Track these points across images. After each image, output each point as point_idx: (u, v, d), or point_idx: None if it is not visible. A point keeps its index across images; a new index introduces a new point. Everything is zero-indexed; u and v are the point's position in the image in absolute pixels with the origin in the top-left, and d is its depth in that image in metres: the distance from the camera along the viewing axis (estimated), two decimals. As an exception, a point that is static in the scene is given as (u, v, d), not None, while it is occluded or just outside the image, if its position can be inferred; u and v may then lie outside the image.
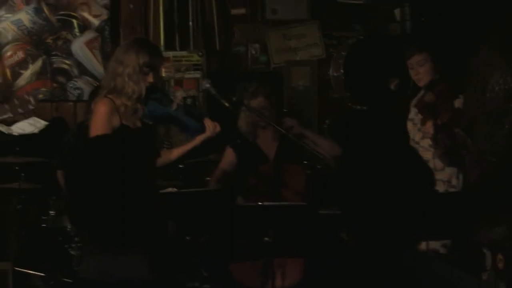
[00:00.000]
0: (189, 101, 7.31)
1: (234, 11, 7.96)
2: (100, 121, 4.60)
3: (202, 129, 4.82)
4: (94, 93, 5.89)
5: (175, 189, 5.15)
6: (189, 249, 5.92)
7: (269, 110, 5.64)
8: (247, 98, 5.72)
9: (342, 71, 7.66)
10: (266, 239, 4.83)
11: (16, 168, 6.18)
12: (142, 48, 4.65)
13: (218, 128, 4.84)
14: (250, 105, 5.63)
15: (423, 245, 5.06)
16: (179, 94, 4.96)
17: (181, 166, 6.16)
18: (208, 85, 5.15)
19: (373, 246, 2.76)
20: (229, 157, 5.70)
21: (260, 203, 4.93)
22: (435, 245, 5.25)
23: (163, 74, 7.31)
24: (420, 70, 5.56)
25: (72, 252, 5.83)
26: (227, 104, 5.17)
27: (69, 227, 5.86)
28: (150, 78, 4.62)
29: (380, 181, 2.74)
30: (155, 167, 4.76)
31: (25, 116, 6.87)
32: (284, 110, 6.05)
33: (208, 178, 6.19)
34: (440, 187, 5.32)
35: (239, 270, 5.33)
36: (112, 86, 4.62)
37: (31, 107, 4.15)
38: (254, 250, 5.04)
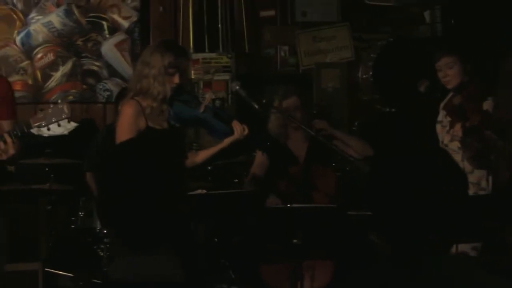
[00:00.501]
0: (218, 103, 7.32)
1: (263, 13, 7.96)
2: (126, 123, 4.61)
3: (230, 132, 4.81)
4: (121, 95, 5.91)
5: (204, 191, 5.14)
6: (218, 251, 5.94)
7: (300, 111, 5.63)
8: (278, 99, 5.72)
9: (371, 73, 7.65)
10: (296, 241, 4.81)
11: (46, 169, 6.22)
12: (167, 50, 4.65)
13: (246, 131, 4.82)
14: (281, 106, 5.63)
15: (453, 248, 5.03)
16: (208, 96, 4.93)
17: (209, 167, 6.18)
18: (237, 87, 5.14)
19: (404, 249, 2.75)
20: (260, 160, 5.70)
21: (289, 205, 4.92)
22: (464, 247, 5.22)
23: (192, 76, 7.33)
24: (449, 73, 5.53)
25: (101, 253, 5.83)
26: (256, 106, 5.15)
27: (98, 228, 5.88)
28: (176, 80, 4.61)
29: (411, 183, 2.72)
30: (184, 169, 4.77)
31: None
32: (314, 112, 6.04)
33: (236, 180, 6.19)
34: (470, 190, 5.29)
35: (268, 272, 5.32)
36: (138, 88, 4.63)
37: (64, 116, 4.15)
38: (283, 252, 5.03)
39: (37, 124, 4.10)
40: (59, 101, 4.23)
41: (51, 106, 4.14)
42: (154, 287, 4.36)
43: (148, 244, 4.44)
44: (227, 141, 4.85)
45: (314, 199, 5.46)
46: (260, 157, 5.68)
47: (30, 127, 4.13)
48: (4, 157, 4.18)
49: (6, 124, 4.51)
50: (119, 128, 4.62)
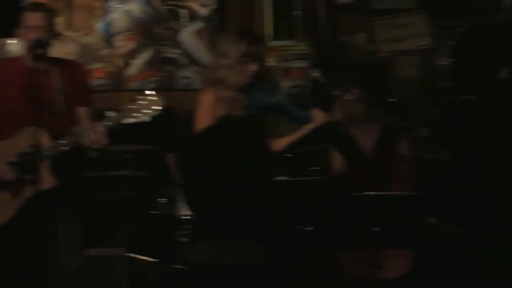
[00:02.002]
0: (295, 90, 7.34)
1: (340, 1, 7.94)
2: (204, 112, 4.68)
3: (310, 119, 4.83)
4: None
5: (285, 178, 5.17)
6: (296, 237, 5.96)
7: (370, 99, 5.62)
8: (349, 88, 5.71)
9: (450, 60, 7.58)
10: (374, 229, 4.83)
11: (128, 156, 6.30)
12: (241, 38, 4.69)
13: (327, 118, 4.84)
14: (352, 95, 5.62)
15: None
16: (286, 84, 4.96)
17: (289, 155, 6.19)
18: (315, 75, 5.15)
19: (487, 239, 2.75)
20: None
21: (367, 193, 4.93)
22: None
23: (270, 64, 7.35)
24: None
25: (182, 239, 5.89)
26: (333, 94, 5.16)
27: (178, 214, 5.93)
28: (252, 68, 4.65)
29: (489, 171, 2.72)
30: (264, 156, 4.81)
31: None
32: (391, 100, 6.01)
33: (314, 168, 6.20)
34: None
35: (346, 260, 5.34)
36: (215, 77, 4.69)
37: (156, 107, 4.24)
38: (362, 240, 5.04)
39: (130, 115, 4.20)
40: (148, 92, 4.28)
41: (143, 97, 4.23)
42: (237, 271, 4.42)
43: (229, 230, 4.50)
44: (306, 128, 4.86)
45: (389, 187, 5.45)
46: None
47: (122, 119, 4.23)
48: (94, 146, 4.29)
49: (85, 111, 4.62)
50: (197, 116, 4.69)
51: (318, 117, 4.84)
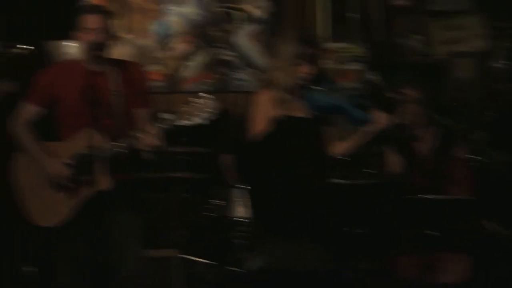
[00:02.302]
0: (351, 92, 7.30)
1: (396, 2, 7.89)
2: (258, 113, 4.68)
3: (371, 121, 4.78)
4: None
5: (341, 180, 5.14)
6: (349, 241, 5.93)
7: (427, 101, 5.57)
8: (406, 90, 5.67)
9: (506, 62, 7.49)
10: (430, 232, 4.78)
11: (183, 157, 6.32)
12: (294, 40, 4.69)
13: (388, 120, 4.79)
14: (411, 96, 5.57)
15: None
16: (344, 85, 4.93)
17: (345, 158, 6.16)
18: (371, 77, 5.12)
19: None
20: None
21: (424, 196, 4.89)
22: None
23: (326, 66, 7.33)
24: None
25: (236, 241, 5.90)
26: (390, 96, 5.12)
27: (233, 216, 5.93)
28: (305, 69, 4.64)
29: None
30: (324, 158, 4.79)
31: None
32: (447, 102, 5.95)
33: (366, 170, 6.15)
34: None
35: (401, 264, 5.30)
36: (269, 78, 4.69)
37: (210, 110, 4.26)
38: (417, 243, 5.00)
39: (184, 117, 4.21)
40: (204, 94, 4.30)
41: (197, 99, 4.24)
42: (300, 275, 4.41)
43: (289, 233, 4.49)
44: (368, 130, 4.82)
45: (446, 191, 5.40)
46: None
47: (175, 121, 4.25)
48: (148, 148, 4.31)
49: (143, 112, 4.64)
50: (252, 117, 4.69)
51: (380, 119, 4.80)
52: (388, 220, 5.17)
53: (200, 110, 4.24)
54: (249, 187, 5.62)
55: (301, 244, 4.49)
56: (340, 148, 4.94)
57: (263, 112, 4.68)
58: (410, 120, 5.62)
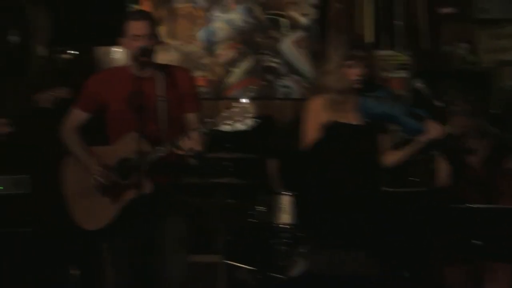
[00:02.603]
0: (404, 101, 7.26)
1: (442, 10, 7.85)
2: (309, 119, 4.69)
3: (423, 130, 4.72)
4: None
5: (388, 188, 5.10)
6: (394, 248, 5.90)
7: (477, 110, 5.53)
8: (454, 100, 5.62)
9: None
10: (476, 242, 4.74)
11: (227, 163, 6.34)
12: (343, 43, 4.69)
13: (441, 131, 4.72)
14: (461, 107, 5.53)
15: None
16: (396, 92, 4.87)
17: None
18: (419, 85, 5.07)
19: None
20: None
21: (470, 205, 4.85)
22: None
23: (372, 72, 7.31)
24: None
25: (279, 248, 5.89)
26: (438, 104, 5.07)
27: (276, 222, 5.93)
28: (356, 73, 4.62)
29: None
30: (376, 166, 4.76)
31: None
32: (494, 111, 5.89)
33: (412, 179, 6.12)
34: None
35: (447, 273, 5.26)
36: (321, 83, 4.70)
37: (249, 115, 4.27)
38: (463, 253, 4.96)
39: (223, 123, 4.22)
40: (243, 100, 4.31)
41: (236, 105, 4.25)
42: (351, 282, 4.39)
43: (335, 239, 4.48)
44: (420, 140, 4.75)
45: (496, 200, 5.35)
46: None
47: (216, 126, 4.26)
48: (190, 153, 4.32)
49: (193, 117, 4.66)
50: (303, 122, 4.70)
51: (433, 130, 4.73)
52: (435, 228, 5.13)
53: (240, 116, 4.25)
54: (295, 193, 5.63)
55: (346, 250, 4.47)
56: (392, 157, 4.90)
57: (315, 118, 4.68)
58: (460, 131, 5.58)
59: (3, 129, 4.99)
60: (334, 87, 4.64)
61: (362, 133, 4.69)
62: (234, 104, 4.32)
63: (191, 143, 4.32)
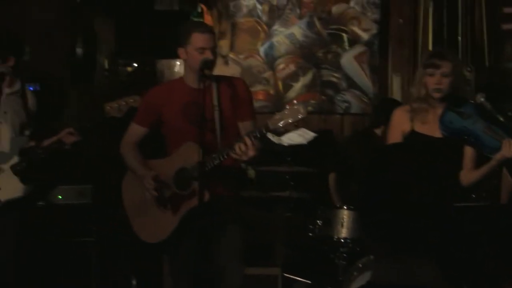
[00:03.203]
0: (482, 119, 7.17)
1: (505, 26, 7.78)
2: (391, 127, 4.71)
3: (499, 149, 4.62)
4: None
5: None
6: (463, 262, 5.84)
7: None
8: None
9: None
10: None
11: (287, 177, 6.35)
12: (426, 51, 4.70)
13: None
14: None
15: None
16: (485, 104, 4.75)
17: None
18: (482, 99, 5.01)
19: None
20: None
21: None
22: None
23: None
24: None
25: (338, 262, 5.88)
26: (502, 119, 5.00)
27: (335, 236, 5.91)
28: (435, 81, 4.59)
29: None
30: (453, 181, 4.71)
31: (296, 126, 7.12)
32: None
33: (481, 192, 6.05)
34: None
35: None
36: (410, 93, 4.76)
37: (300, 116, 4.24)
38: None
39: (275, 125, 4.20)
40: (294, 101, 4.30)
41: (287, 107, 4.24)
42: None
43: (408, 249, 4.45)
44: (496, 158, 4.65)
45: None
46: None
47: (268, 129, 4.23)
48: (244, 158, 4.31)
49: (247, 125, 4.66)
50: (388, 133, 4.73)
51: (508, 148, 4.63)
52: (498, 243, 5.07)
53: (292, 117, 4.21)
54: (359, 206, 5.62)
55: (420, 261, 4.44)
56: (470, 176, 4.82)
57: (397, 127, 4.69)
58: None
59: (70, 138, 5.06)
60: (414, 95, 4.65)
61: (439, 146, 4.66)
62: (288, 104, 4.31)
63: (245, 147, 4.29)
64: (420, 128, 4.61)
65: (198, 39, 4.52)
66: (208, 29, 4.61)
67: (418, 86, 4.63)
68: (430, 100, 4.63)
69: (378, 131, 6.32)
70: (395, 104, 6.41)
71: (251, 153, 4.26)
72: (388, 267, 4.44)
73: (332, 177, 6.41)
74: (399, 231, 4.49)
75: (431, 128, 4.63)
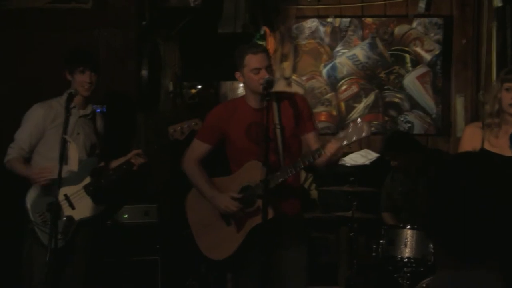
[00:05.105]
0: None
1: None
2: (462, 143, 4.69)
3: None
4: None
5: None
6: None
7: None
8: None
9: None
10: None
11: (349, 197, 6.36)
12: (502, 71, 4.72)
13: None
14: None
15: None
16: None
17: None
18: None
19: None
20: None
21: None
22: None
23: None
24: None
25: (402, 282, 5.84)
26: None
27: (399, 256, 5.88)
28: (509, 96, 4.56)
29: None
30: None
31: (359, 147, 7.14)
32: None
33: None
34: None
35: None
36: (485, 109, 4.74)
37: (364, 134, 4.26)
38: None
39: (340, 143, 4.24)
40: (358, 119, 4.31)
41: (351, 124, 4.26)
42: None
43: (475, 257, 4.40)
44: None
45: None
46: None
47: (321, 153, 4.29)
48: (335, 158, 4.35)
49: (311, 136, 4.69)
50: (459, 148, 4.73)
51: None
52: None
53: (356, 135, 4.22)
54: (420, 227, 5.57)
55: (486, 269, 4.40)
56: None
57: (467, 143, 4.65)
58: None
59: (138, 160, 5.17)
60: (488, 111, 4.62)
61: (507, 165, 4.63)
62: (350, 124, 4.33)
63: (329, 150, 4.30)
64: (490, 147, 4.57)
65: (251, 61, 4.57)
66: (260, 49, 4.65)
67: (493, 101, 4.60)
68: (504, 115, 4.60)
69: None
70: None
71: (339, 155, 4.32)
72: (451, 275, 4.41)
73: (386, 215, 6.42)
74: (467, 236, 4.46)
75: (502, 145, 4.59)
